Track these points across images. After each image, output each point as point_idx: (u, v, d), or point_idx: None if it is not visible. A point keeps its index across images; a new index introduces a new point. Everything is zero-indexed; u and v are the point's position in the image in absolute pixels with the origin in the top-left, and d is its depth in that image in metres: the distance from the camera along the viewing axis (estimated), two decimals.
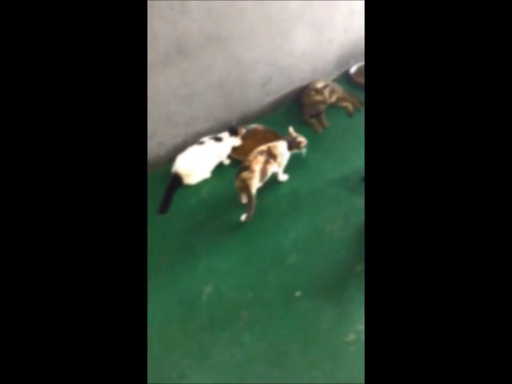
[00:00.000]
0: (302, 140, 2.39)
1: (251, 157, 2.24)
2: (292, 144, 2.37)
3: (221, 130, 2.60)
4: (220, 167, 2.56)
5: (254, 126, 2.77)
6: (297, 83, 2.97)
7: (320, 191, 2.42)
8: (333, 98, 2.93)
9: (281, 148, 2.33)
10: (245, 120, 2.78)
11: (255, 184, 2.21)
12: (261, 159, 2.23)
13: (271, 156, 2.28)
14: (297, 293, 1.92)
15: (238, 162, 2.54)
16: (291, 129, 2.44)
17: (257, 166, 2.20)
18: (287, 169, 2.46)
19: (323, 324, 1.80)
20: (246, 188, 2.17)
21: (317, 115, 2.82)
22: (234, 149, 2.60)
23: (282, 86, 2.91)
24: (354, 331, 1.76)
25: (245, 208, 2.25)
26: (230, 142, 2.53)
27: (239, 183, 2.20)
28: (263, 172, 2.24)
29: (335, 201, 2.35)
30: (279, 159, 2.32)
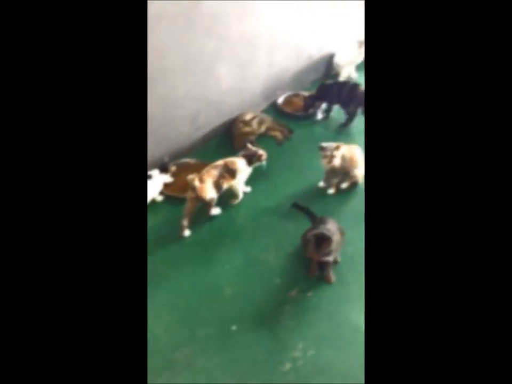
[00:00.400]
0: (262, 152, 2.50)
1: (204, 170, 2.32)
2: (253, 159, 2.47)
3: (152, 167, 2.58)
4: (152, 204, 2.53)
5: (185, 160, 2.78)
6: (226, 116, 3.05)
7: (254, 220, 2.46)
8: (262, 129, 3.03)
9: (239, 164, 2.41)
10: (176, 156, 2.79)
11: (208, 191, 2.26)
12: (214, 172, 2.30)
13: (228, 171, 2.35)
14: (233, 327, 1.90)
15: (172, 198, 2.53)
16: (249, 145, 2.56)
17: (209, 179, 2.27)
18: (219, 201, 2.47)
19: (259, 355, 1.79)
20: (197, 196, 2.22)
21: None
22: (167, 185, 2.58)
23: (212, 120, 2.97)
24: (290, 359, 1.77)
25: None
26: (160, 179, 2.51)
27: (190, 194, 2.24)
28: (217, 185, 2.30)
29: (268, 229, 2.40)
30: (238, 175, 2.40)
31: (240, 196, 2.55)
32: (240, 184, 2.51)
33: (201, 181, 2.25)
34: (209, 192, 2.28)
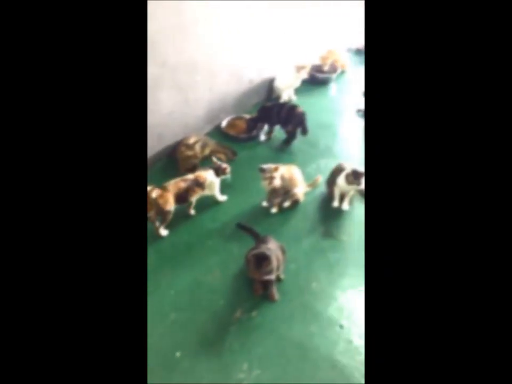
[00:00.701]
0: (226, 165, 2.68)
1: (172, 181, 2.47)
2: (219, 171, 2.64)
3: None
4: None
5: None
6: (170, 140, 3.07)
7: (198, 243, 2.47)
8: (206, 152, 3.07)
9: (209, 176, 2.59)
10: None
11: (168, 201, 2.39)
12: (182, 184, 2.46)
13: (197, 184, 2.53)
14: (177, 353, 1.88)
15: None
16: (214, 159, 2.73)
17: (173, 189, 2.42)
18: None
19: (204, 380, 1.78)
20: (156, 204, 2.35)
21: (193, 169, 2.92)
22: None
23: (154, 144, 2.97)
24: (235, 381, 1.77)
25: None
26: None
27: (149, 200, 2.34)
28: (183, 197, 2.47)
29: (213, 251, 2.41)
30: (209, 186, 2.60)
31: (222, 198, 2.75)
32: (217, 194, 2.70)
33: (164, 189, 2.39)
34: (169, 204, 2.39)
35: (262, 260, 1.90)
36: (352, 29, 4.99)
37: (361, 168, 2.54)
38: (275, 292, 2.12)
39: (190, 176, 2.55)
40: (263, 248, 1.96)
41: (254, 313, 2.06)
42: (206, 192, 2.63)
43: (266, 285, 2.10)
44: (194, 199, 2.59)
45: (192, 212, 2.64)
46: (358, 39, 5.06)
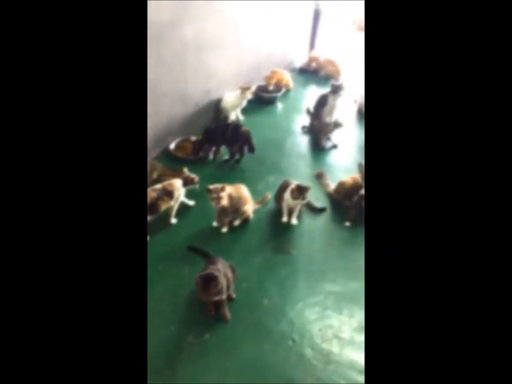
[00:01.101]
0: (194, 176, 2.79)
1: None
2: (187, 181, 2.75)
3: None
4: None
5: None
6: None
7: (148, 268, 2.41)
8: (154, 176, 3.05)
9: (176, 184, 2.67)
10: None
11: None
12: (153, 194, 2.52)
13: (166, 193, 2.58)
14: None
15: None
16: (185, 169, 2.87)
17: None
18: None
19: None
20: None
21: None
22: None
23: None
24: None
25: None
26: None
27: None
28: (154, 206, 2.52)
29: (163, 276, 2.38)
30: (175, 193, 2.63)
31: (173, 221, 2.73)
32: (181, 199, 2.75)
33: None
34: None
35: (209, 281, 1.90)
36: (294, 49, 5.22)
37: (305, 183, 2.64)
38: (227, 311, 2.11)
39: (158, 186, 2.60)
40: (210, 269, 1.96)
41: (206, 336, 2.04)
42: (172, 202, 2.65)
43: (218, 305, 2.10)
44: (163, 208, 2.61)
45: (174, 220, 2.74)
46: (300, 59, 5.29)
